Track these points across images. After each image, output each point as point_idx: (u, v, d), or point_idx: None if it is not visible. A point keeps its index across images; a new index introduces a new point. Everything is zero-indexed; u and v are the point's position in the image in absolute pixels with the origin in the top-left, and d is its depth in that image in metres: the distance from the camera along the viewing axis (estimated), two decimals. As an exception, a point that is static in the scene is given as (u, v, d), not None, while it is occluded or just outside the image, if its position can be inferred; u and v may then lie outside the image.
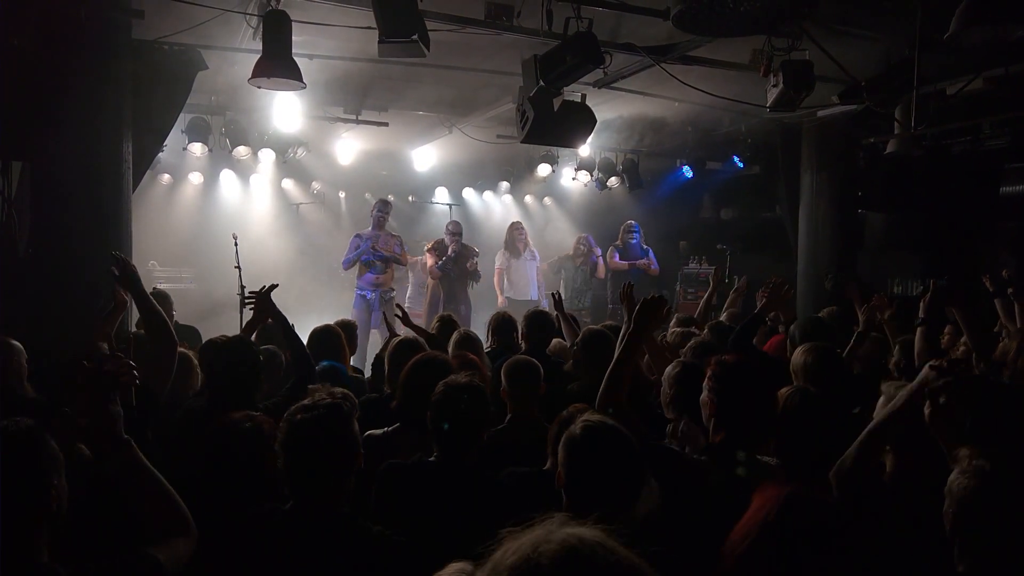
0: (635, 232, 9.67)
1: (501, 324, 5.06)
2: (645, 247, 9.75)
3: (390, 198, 9.88)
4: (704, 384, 2.58)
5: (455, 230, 9.17)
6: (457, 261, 8.95)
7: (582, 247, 9.82)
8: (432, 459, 2.60)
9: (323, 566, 1.98)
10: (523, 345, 4.77)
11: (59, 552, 1.70)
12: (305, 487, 2.07)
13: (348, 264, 8.58)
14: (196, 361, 3.60)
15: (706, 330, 4.86)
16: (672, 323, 5.36)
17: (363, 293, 8.42)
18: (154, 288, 6.45)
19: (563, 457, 2.04)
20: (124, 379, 1.88)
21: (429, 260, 9.15)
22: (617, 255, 9.57)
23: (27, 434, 1.67)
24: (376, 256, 8.39)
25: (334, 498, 2.07)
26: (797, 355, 3.23)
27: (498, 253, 9.76)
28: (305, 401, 2.14)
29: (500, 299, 9.32)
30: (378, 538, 2.04)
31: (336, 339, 4.35)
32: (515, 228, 9.68)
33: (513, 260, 9.47)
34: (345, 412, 2.12)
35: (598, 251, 9.82)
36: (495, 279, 9.63)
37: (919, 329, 3.85)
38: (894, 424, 2.21)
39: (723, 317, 5.65)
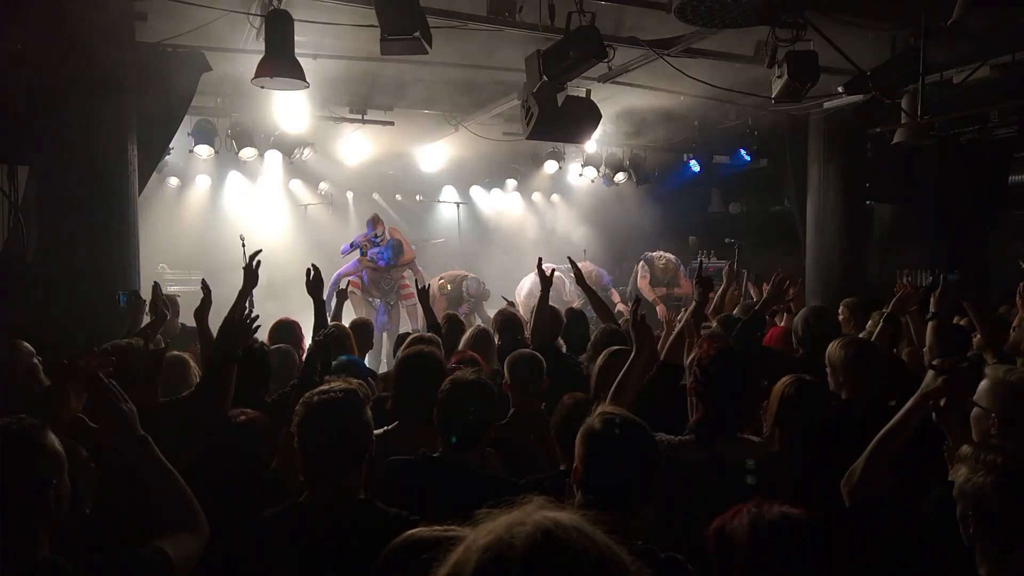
0: (679, 269, 9.43)
1: (506, 322, 5.06)
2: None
3: (378, 199, 9.81)
4: (690, 366, 2.63)
5: (477, 293, 9.12)
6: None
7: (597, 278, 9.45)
8: (436, 455, 2.59)
9: (345, 553, 1.97)
10: (530, 340, 4.76)
11: (71, 547, 1.72)
12: (320, 472, 2.11)
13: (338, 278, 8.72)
14: (192, 364, 3.65)
15: (715, 323, 4.84)
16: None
17: (369, 299, 8.56)
18: (164, 292, 6.51)
19: (581, 451, 1.97)
20: (94, 370, 1.91)
21: (438, 295, 9.01)
22: (648, 277, 9.35)
23: (28, 432, 1.68)
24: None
25: (349, 484, 2.10)
26: (834, 349, 3.20)
27: (527, 285, 9.38)
28: (322, 387, 2.19)
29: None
30: (396, 520, 2.02)
31: (344, 339, 4.35)
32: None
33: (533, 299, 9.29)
34: (360, 398, 2.17)
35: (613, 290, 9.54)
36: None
37: (930, 324, 3.81)
38: (902, 432, 2.18)
39: (736, 311, 5.62)
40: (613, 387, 2.76)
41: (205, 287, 3.83)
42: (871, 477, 2.18)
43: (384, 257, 8.72)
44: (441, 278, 9.43)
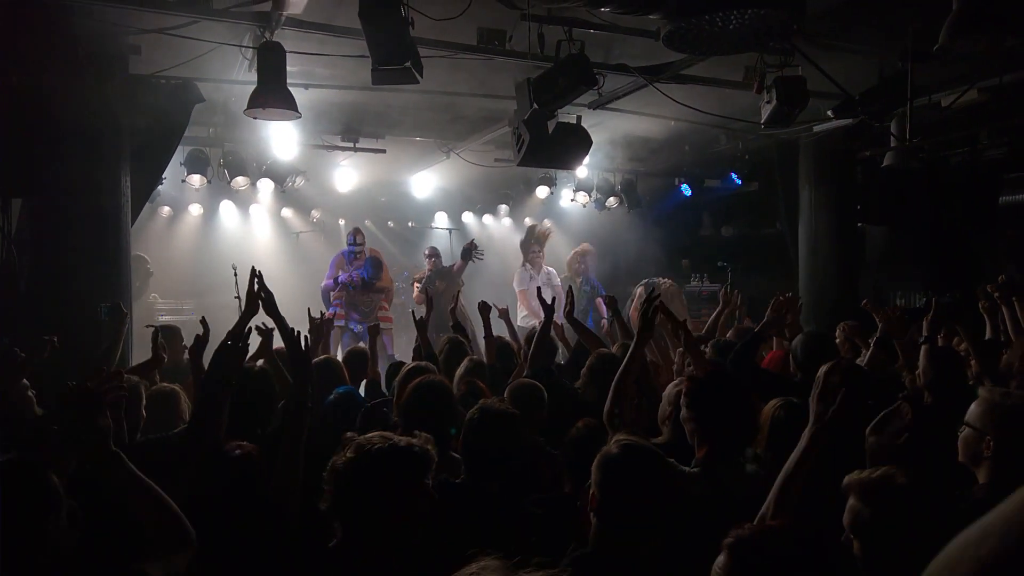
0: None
1: (500, 349, 5.04)
2: None
3: (367, 223, 9.95)
4: (681, 402, 2.62)
5: (431, 252, 9.37)
6: (440, 276, 9.01)
7: (577, 264, 9.72)
8: (459, 480, 2.63)
9: None
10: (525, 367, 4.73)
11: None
12: (365, 539, 1.97)
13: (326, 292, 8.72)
14: (184, 397, 3.60)
15: (709, 347, 4.82)
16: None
17: (352, 326, 8.49)
18: (162, 324, 6.47)
19: (598, 478, 2.00)
20: (109, 397, 1.90)
21: (416, 292, 9.20)
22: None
23: (27, 468, 1.69)
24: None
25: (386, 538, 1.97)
26: (822, 373, 3.19)
27: (516, 274, 9.57)
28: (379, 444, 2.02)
29: (532, 316, 8.84)
30: None
31: (336, 371, 4.29)
32: (533, 240, 9.62)
33: (533, 278, 9.19)
34: (429, 461, 2.00)
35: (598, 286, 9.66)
36: (520, 301, 9.26)
37: (923, 348, 3.79)
38: (805, 467, 2.11)
39: (729, 335, 5.60)
40: (612, 390, 2.78)
41: (204, 324, 3.78)
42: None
43: (365, 272, 8.69)
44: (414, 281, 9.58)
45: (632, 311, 9.20)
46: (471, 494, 2.53)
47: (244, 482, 2.31)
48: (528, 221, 12.42)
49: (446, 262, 9.60)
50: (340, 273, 8.76)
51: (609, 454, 2.01)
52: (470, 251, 8.68)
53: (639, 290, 9.64)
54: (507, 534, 2.30)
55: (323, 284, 8.95)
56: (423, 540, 2.04)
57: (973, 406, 2.37)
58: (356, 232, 9.06)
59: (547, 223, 10.30)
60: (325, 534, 2.07)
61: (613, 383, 2.89)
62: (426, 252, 9.54)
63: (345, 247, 9.11)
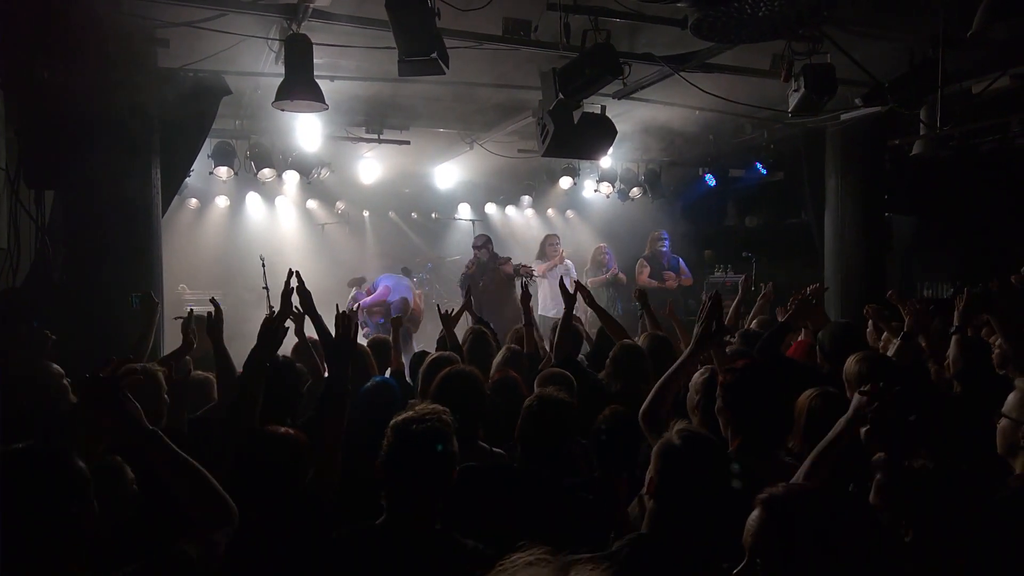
0: (664, 240, 9.54)
1: (522, 339, 5.05)
2: (675, 256, 9.62)
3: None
4: (716, 393, 2.63)
5: (478, 243, 9.13)
6: (484, 273, 8.86)
7: (600, 257, 9.72)
8: (515, 464, 2.80)
9: None
10: (552, 357, 4.75)
11: (101, 552, 1.76)
12: (404, 499, 2.12)
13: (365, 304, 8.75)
14: (215, 383, 3.66)
15: (737, 337, 4.80)
16: None
17: (377, 319, 8.56)
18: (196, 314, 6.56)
19: (658, 464, 2.07)
20: (124, 383, 1.93)
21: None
22: (648, 269, 9.39)
23: (50, 455, 1.71)
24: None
25: (430, 513, 2.12)
26: (850, 364, 3.19)
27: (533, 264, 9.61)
28: (411, 413, 2.20)
29: (539, 268, 9.00)
30: (473, 553, 2.05)
31: (366, 360, 4.32)
32: (549, 241, 9.60)
33: (549, 271, 9.25)
34: (450, 427, 2.19)
35: (615, 267, 9.66)
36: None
37: (954, 337, 3.75)
38: (833, 453, 2.14)
39: (753, 324, 5.58)
40: (653, 393, 2.81)
41: (214, 303, 3.80)
42: None
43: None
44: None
45: (638, 277, 9.29)
46: (525, 478, 2.65)
47: (286, 464, 2.35)
48: (551, 212, 12.44)
49: (467, 250, 9.52)
50: (370, 320, 8.70)
51: (670, 443, 2.08)
52: (523, 276, 8.39)
53: (637, 263, 9.66)
54: (558, 516, 2.42)
55: (358, 299, 8.93)
56: (475, 519, 2.12)
57: (1010, 396, 2.35)
58: (397, 324, 8.83)
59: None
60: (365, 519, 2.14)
61: (656, 387, 2.90)
62: (475, 243, 9.22)
63: (399, 290, 8.97)
